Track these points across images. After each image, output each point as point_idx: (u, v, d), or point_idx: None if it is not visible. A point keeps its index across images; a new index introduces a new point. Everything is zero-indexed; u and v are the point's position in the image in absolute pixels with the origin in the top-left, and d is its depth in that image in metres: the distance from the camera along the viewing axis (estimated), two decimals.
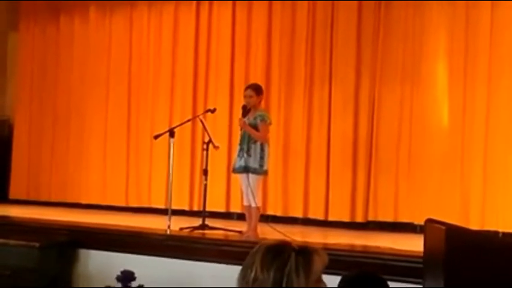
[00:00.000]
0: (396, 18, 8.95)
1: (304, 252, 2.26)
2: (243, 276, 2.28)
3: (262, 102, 8.13)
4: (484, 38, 8.33)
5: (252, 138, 7.57)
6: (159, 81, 10.56)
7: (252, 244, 6.87)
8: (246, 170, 7.55)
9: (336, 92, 9.22)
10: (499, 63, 8.25)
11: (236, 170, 7.74)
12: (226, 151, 9.52)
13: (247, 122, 7.62)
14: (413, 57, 8.79)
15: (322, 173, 9.21)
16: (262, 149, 7.59)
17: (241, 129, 7.76)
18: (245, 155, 7.55)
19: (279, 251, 2.24)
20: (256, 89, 7.80)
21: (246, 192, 7.67)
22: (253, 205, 7.59)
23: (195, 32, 10.31)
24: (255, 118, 7.63)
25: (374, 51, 9.05)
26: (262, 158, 7.57)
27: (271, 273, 2.20)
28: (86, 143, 11.05)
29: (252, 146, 7.56)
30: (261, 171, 7.60)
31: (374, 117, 9.01)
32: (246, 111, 7.64)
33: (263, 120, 7.65)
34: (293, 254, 2.23)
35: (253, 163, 7.53)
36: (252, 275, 2.23)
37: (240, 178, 7.76)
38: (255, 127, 7.59)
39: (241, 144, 7.67)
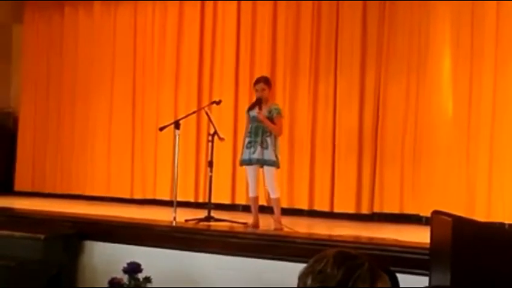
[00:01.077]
0: (402, 9, 8.91)
1: (374, 268, 2.23)
2: (309, 266, 2.25)
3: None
4: (489, 30, 8.28)
5: (267, 130, 7.54)
6: (164, 72, 10.54)
7: (257, 236, 6.92)
8: (260, 162, 7.52)
9: (341, 83, 9.20)
10: (505, 54, 8.21)
11: (247, 162, 7.66)
12: (231, 143, 9.52)
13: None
14: (418, 48, 8.76)
15: (327, 164, 9.20)
16: (276, 142, 7.59)
17: (250, 122, 7.68)
18: (259, 147, 7.50)
19: (353, 255, 2.22)
20: (267, 82, 7.81)
21: (253, 184, 7.68)
22: (274, 196, 7.61)
23: (200, 23, 10.29)
24: (270, 111, 7.60)
25: (379, 42, 9.03)
26: (276, 150, 7.58)
27: (341, 271, 2.17)
28: (91, 135, 11.06)
29: (267, 138, 7.52)
30: (277, 163, 7.60)
31: (379, 108, 9.00)
32: (260, 104, 7.59)
33: (279, 113, 7.66)
34: (366, 264, 2.21)
35: (270, 155, 7.51)
36: (320, 266, 2.19)
37: (249, 170, 7.71)
38: (269, 120, 7.56)
39: (252, 136, 7.60)
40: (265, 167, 7.52)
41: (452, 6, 8.46)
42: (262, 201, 7.84)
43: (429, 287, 4.51)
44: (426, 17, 8.66)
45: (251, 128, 7.66)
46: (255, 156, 7.53)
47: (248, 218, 7.89)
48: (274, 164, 7.55)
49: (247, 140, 7.67)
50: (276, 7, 9.70)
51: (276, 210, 7.65)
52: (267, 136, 7.53)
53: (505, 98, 8.18)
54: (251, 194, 7.79)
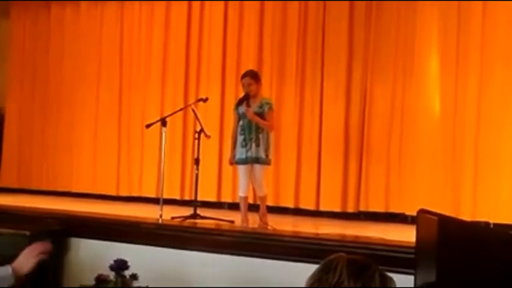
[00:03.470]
0: (388, 10, 8.94)
1: (383, 274, 2.25)
2: (318, 277, 2.25)
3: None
4: (475, 32, 8.35)
5: (260, 127, 7.42)
6: (150, 70, 10.54)
7: (244, 233, 6.91)
8: (254, 161, 7.41)
9: (327, 83, 9.23)
10: (490, 57, 8.28)
11: (244, 161, 7.49)
12: (217, 140, 9.53)
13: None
14: (404, 48, 8.81)
15: (313, 163, 9.22)
16: (268, 138, 7.48)
17: (240, 119, 7.57)
18: (253, 145, 7.38)
19: (365, 266, 2.24)
20: (255, 76, 7.62)
21: (245, 183, 7.56)
22: (262, 194, 7.62)
23: (186, 20, 10.30)
24: (261, 106, 7.47)
25: (366, 42, 9.06)
26: (269, 147, 7.48)
27: (358, 285, 2.19)
28: (77, 131, 11.04)
29: (260, 135, 7.40)
30: (269, 161, 7.53)
31: (365, 107, 9.03)
32: (248, 100, 7.45)
33: (271, 108, 7.52)
34: (377, 273, 2.23)
35: (263, 153, 7.42)
36: (335, 279, 2.20)
37: (242, 169, 7.57)
38: (261, 115, 7.42)
39: (247, 134, 7.43)
40: (257, 165, 7.43)
41: (439, 6, 8.50)
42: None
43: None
44: (412, 18, 8.71)
45: (243, 125, 7.50)
46: (250, 154, 7.39)
47: (233, 216, 7.89)
48: (266, 162, 7.48)
49: (240, 137, 7.50)
50: (263, 6, 9.71)
51: (262, 208, 7.63)
52: (259, 133, 7.40)
53: (490, 98, 8.25)
54: (242, 194, 7.65)
